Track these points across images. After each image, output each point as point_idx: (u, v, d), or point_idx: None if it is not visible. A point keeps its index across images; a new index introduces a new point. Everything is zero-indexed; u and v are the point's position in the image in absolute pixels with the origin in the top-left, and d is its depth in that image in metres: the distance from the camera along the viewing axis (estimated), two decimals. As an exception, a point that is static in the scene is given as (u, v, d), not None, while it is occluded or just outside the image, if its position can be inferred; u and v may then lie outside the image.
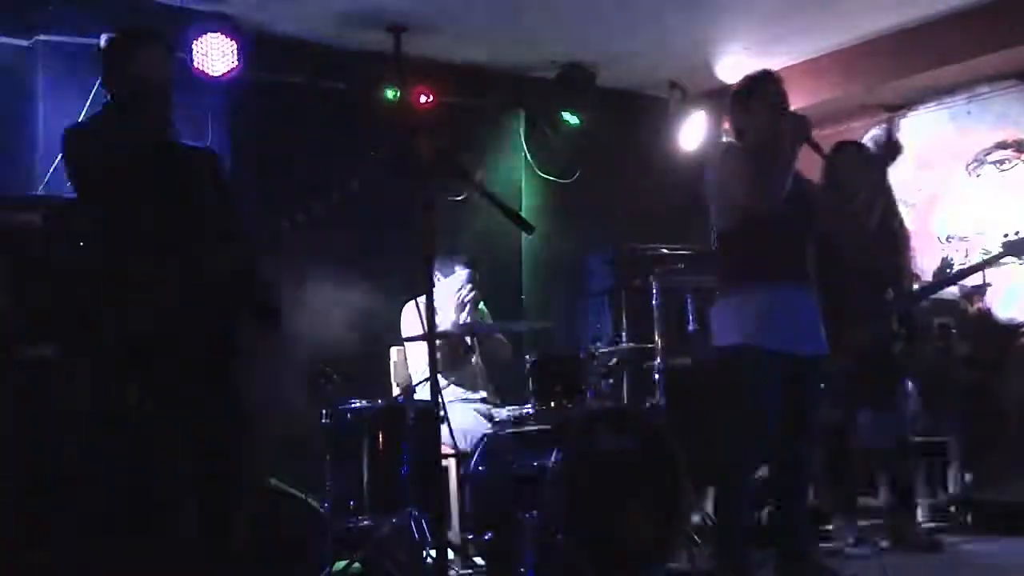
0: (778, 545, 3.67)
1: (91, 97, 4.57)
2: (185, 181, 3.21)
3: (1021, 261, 4.88)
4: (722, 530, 3.73)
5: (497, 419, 4.67)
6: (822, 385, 3.73)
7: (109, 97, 3.21)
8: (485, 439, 4.43)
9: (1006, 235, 4.78)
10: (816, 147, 3.65)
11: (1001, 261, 4.92)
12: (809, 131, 3.53)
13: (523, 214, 5.52)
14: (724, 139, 3.83)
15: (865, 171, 4.85)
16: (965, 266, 5.89)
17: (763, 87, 3.69)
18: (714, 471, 3.81)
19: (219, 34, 4.67)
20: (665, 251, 5.01)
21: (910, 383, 4.98)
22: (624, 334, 5.13)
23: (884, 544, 4.68)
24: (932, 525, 5.04)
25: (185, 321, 3.06)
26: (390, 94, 5.32)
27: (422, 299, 4.72)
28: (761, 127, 3.63)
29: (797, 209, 3.61)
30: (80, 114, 4.53)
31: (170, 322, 3.04)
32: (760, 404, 3.53)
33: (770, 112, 3.62)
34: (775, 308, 3.54)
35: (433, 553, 3.80)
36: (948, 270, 5.96)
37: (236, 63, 4.71)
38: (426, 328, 3.17)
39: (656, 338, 4.85)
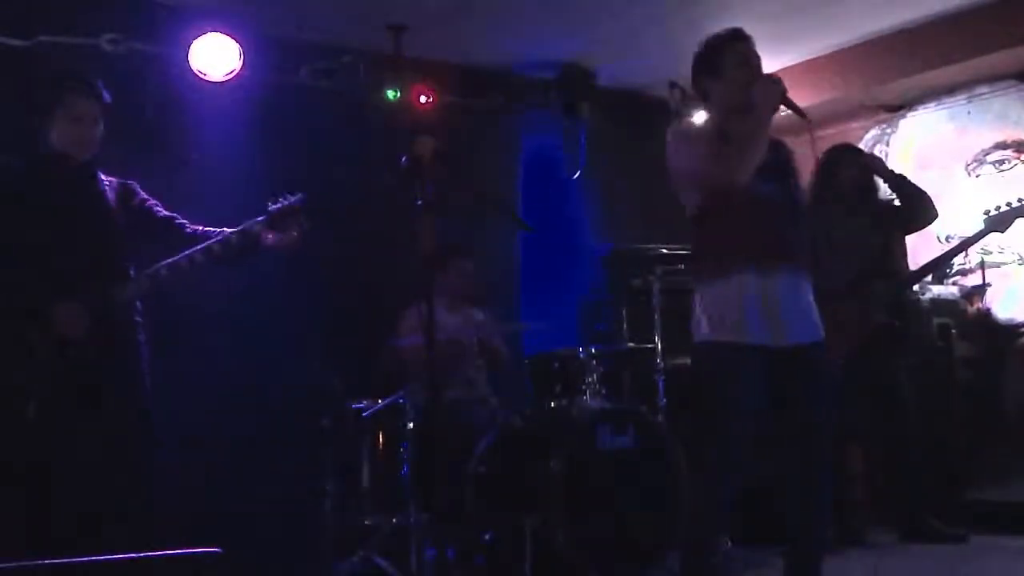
0: (788, 548, 3.35)
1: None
2: (95, 213, 3.60)
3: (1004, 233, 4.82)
4: (691, 542, 3.32)
5: (497, 420, 4.67)
6: (822, 377, 3.28)
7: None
8: (486, 439, 4.43)
9: (987, 212, 4.77)
10: (795, 108, 3.31)
11: (986, 237, 4.87)
12: (785, 91, 3.23)
13: (522, 214, 5.56)
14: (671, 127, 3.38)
15: (859, 174, 4.88)
16: (964, 262, 5.90)
17: (731, 46, 3.36)
18: (697, 471, 3.43)
19: (219, 34, 4.67)
20: (665, 251, 5.00)
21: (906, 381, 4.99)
22: (624, 334, 5.13)
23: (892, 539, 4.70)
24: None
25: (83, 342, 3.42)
26: (390, 94, 5.32)
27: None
28: (730, 90, 3.31)
29: (777, 184, 3.28)
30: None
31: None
32: (733, 405, 3.17)
33: (740, 73, 3.30)
34: (753, 297, 3.15)
35: (434, 553, 3.81)
36: (948, 270, 5.96)
37: (237, 64, 4.71)
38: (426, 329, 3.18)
39: (656, 338, 4.85)
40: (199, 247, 3.65)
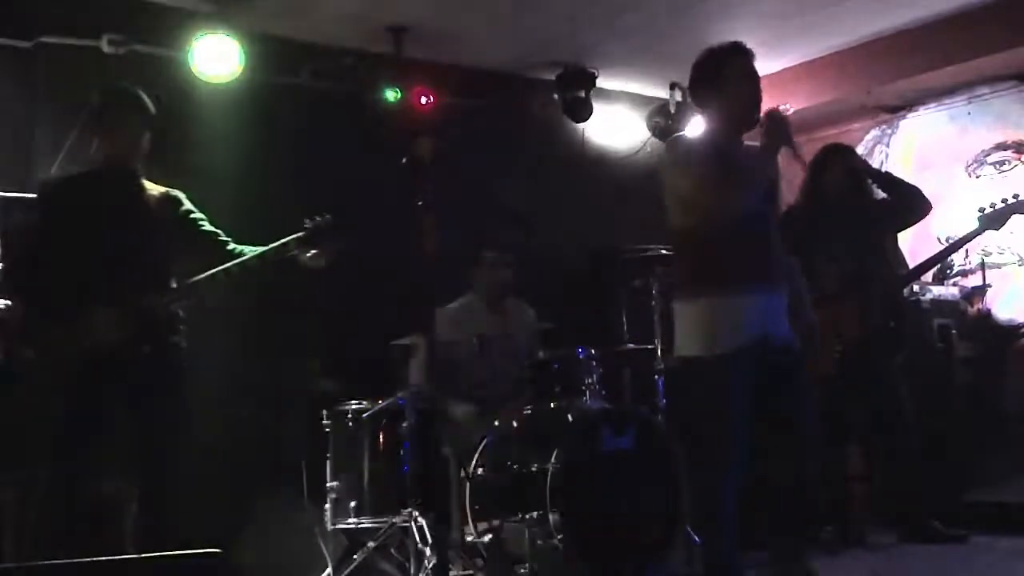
0: (771, 547, 3.50)
1: (92, 98, 4.59)
2: (139, 224, 3.66)
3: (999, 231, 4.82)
4: (708, 536, 3.49)
5: (497, 420, 4.66)
6: (805, 384, 3.46)
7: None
8: (485, 439, 4.43)
9: (981, 209, 4.77)
10: (792, 146, 3.38)
11: (982, 235, 4.87)
12: (790, 135, 3.31)
13: (523, 215, 5.56)
14: (670, 141, 3.51)
15: (847, 174, 4.88)
16: (964, 263, 5.91)
17: (733, 59, 3.40)
18: (696, 478, 3.56)
19: (220, 36, 4.67)
20: (665, 251, 5.00)
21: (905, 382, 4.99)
22: (624, 334, 5.13)
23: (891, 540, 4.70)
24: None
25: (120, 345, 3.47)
26: (390, 95, 5.33)
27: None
28: (731, 103, 3.38)
29: (765, 204, 3.40)
30: (81, 116, 4.55)
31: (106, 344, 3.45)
32: (732, 414, 3.29)
33: (742, 86, 3.37)
34: (745, 311, 3.29)
35: (433, 553, 3.81)
36: (948, 271, 5.96)
37: (237, 64, 4.72)
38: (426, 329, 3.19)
39: (656, 338, 4.85)
40: (235, 261, 3.69)
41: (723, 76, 3.38)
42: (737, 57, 3.40)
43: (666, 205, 3.46)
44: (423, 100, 5.39)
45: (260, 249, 3.72)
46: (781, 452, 3.39)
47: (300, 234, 3.69)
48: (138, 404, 3.58)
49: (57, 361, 3.48)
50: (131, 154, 3.72)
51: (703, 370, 3.32)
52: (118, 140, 3.70)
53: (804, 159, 3.52)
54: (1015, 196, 4.69)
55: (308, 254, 3.73)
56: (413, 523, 3.98)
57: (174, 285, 3.70)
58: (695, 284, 3.37)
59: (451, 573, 4.09)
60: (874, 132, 6.61)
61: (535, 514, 3.94)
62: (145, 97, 3.77)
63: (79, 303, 3.50)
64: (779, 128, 3.32)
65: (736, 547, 3.41)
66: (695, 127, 6.40)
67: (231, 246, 3.82)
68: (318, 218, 3.71)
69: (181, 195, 3.88)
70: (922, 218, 4.92)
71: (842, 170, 4.87)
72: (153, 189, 3.82)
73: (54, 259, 3.59)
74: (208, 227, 3.87)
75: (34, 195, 4.38)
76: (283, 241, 3.69)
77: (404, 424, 4.17)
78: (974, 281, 5.85)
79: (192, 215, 3.86)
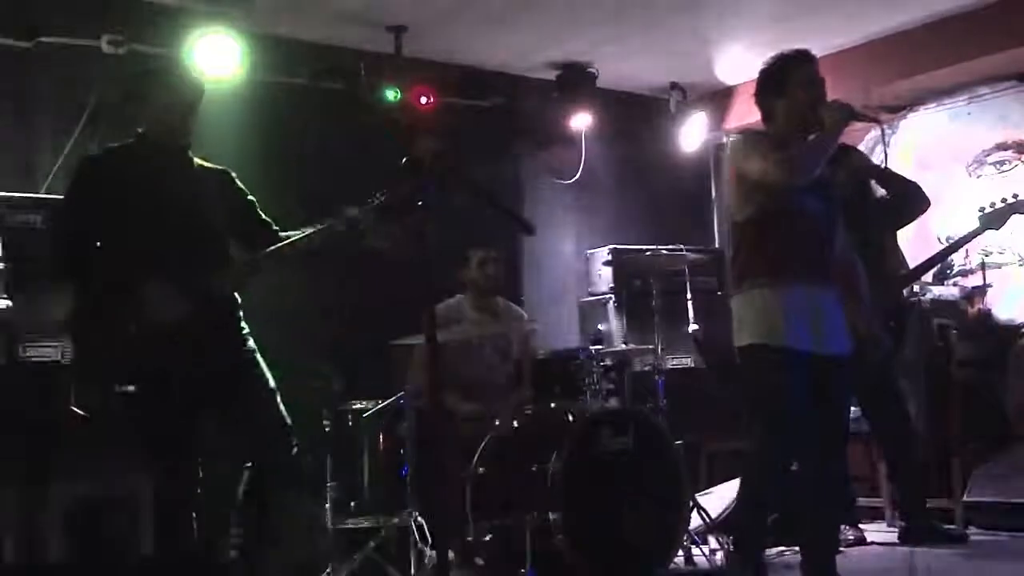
0: (803, 546, 3.55)
1: (91, 98, 4.60)
2: (196, 200, 3.51)
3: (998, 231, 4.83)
4: (744, 530, 3.54)
5: (497, 420, 4.66)
6: (849, 387, 3.56)
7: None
8: (485, 439, 4.43)
9: (982, 208, 4.77)
10: (865, 117, 3.52)
11: (982, 235, 4.88)
12: (852, 109, 3.38)
13: (524, 215, 5.56)
14: (737, 135, 3.57)
15: (848, 174, 4.87)
16: (964, 263, 5.91)
17: (797, 67, 3.46)
18: (743, 473, 3.61)
19: (219, 35, 4.67)
20: (665, 251, 5.01)
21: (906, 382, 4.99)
22: (624, 335, 5.13)
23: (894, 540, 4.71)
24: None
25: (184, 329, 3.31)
26: (390, 95, 5.33)
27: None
28: (794, 110, 3.43)
29: (824, 203, 3.46)
30: (81, 116, 4.55)
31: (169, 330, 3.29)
32: (786, 405, 3.34)
33: (805, 94, 3.42)
34: (799, 306, 3.33)
35: (433, 553, 3.81)
36: (948, 270, 5.96)
37: (237, 64, 4.72)
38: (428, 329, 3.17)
39: (656, 338, 4.86)
40: (300, 236, 3.52)
41: (788, 82, 3.45)
42: (803, 64, 3.48)
43: (728, 203, 3.55)
44: (423, 100, 5.39)
45: (327, 223, 3.53)
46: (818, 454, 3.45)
47: (367, 204, 3.51)
48: (213, 388, 3.39)
49: (115, 339, 3.31)
50: (182, 129, 3.54)
51: (759, 355, 3.38)
52: (169, 114, 3.52)
53: (873, 117, 3.61)
54: (1015, 196, 4.68)
55: (377, 229, 3.56)
56: (413, 523, 3.98)
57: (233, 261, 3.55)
58: (750, 276, 3.43)
59: (451, 573, 4.09)
60: (874, 132, 6.60)
61: (535, 514, 3.94)
62: (194, 73, 3.64)
63: (135, 283, 3.31)
64: (838, 113, 3.36)
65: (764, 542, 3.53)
66: (693, 125, 6.46)
67: (284, 234, 3.64)
68: (384, 191, 3.53)
69: (233, 173, 3.72)
70: (920, 214, 4.92)
71: (848, 172, 4.87)
72: (205, 164, 3.66)
73: (104, 238, 3.41)
74: (261, 215, 3.72)
75: (34, 194, 4.40)
76: (349, 212, 3.51)
77: (404, 424, 4.18)
78: (974, 281, 5.85)
79: (248, 196, 3.71)
